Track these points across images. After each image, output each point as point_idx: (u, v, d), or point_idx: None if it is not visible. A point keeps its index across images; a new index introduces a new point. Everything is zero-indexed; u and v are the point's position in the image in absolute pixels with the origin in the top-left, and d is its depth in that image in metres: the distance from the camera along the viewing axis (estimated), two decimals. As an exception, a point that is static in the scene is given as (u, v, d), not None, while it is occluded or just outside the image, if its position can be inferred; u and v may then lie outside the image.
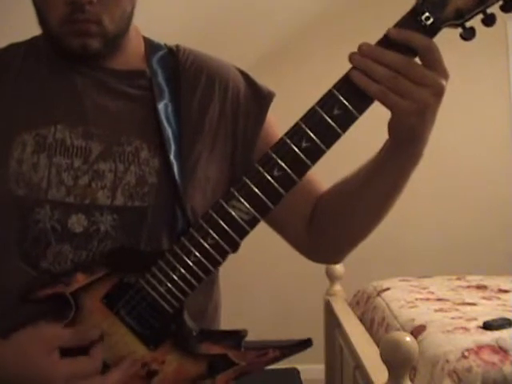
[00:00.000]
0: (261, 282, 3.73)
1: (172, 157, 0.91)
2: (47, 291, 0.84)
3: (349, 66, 0.80)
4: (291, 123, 0.81)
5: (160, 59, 0.99)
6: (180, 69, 0.99)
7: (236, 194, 0.82)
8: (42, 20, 0.91)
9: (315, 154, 0.80)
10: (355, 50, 0.79)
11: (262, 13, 3.17)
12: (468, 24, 0.79)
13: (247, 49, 3.43)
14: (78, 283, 0.84)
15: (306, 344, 0.87)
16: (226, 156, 0.97)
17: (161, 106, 0.94)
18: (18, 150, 0.89)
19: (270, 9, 3.19)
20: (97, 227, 0.88)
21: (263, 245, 2.89)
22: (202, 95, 0.97)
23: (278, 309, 3.78)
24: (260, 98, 1.00)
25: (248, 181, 0.81)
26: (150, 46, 1.00)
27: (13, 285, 0.86)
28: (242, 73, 1.03)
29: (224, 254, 0.84)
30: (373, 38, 0.80)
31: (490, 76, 3.84)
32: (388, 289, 2.64)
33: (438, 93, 0.79)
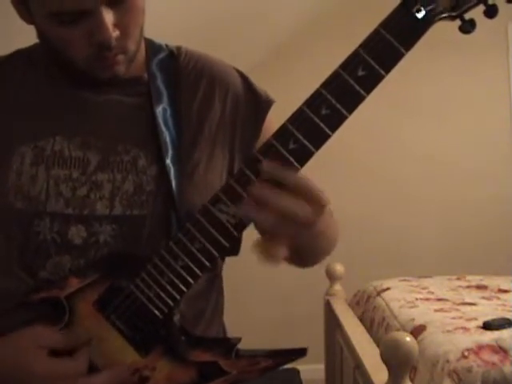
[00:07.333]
0: (261, 282, 3.72)
1: (169, 161, 0.90)
2: (42, 295, 0.84)
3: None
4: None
5: (160, 62, 0.98)
6: (180, 73, 0.98)
7: (223, 197, 0.78)
8: (61, 54, 0.88)
9: (303, 156, 0.76)
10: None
11: (264, 11, 3.17)
12: (467, 16, 0.74)
13: (249, 47, 3.43)
14: (72, 287, 0.84)
15: (299, 353, 0.84)
16: (224, 164, 0.96)
17: (159, 110, 0.93)
18: (17, 162, 0.89)
19: (272, 7, 3.19)
20: (96, 238, 0.88)
21: (263, 245, 2.88)
22: (202, 101, 0.96)
23: (278, 309, 3.78)
24: (258, 107, 0.99)
25: (234, 184, 0.78)
26: (151, 49, 0.99)
27: (11, 294, 0.86)
28: (243, 77, 1.02)
29: (212, 259, 0.80)
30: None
31: (490, 77, 3.84)
32: (388, 289, 2.63)
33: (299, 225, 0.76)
